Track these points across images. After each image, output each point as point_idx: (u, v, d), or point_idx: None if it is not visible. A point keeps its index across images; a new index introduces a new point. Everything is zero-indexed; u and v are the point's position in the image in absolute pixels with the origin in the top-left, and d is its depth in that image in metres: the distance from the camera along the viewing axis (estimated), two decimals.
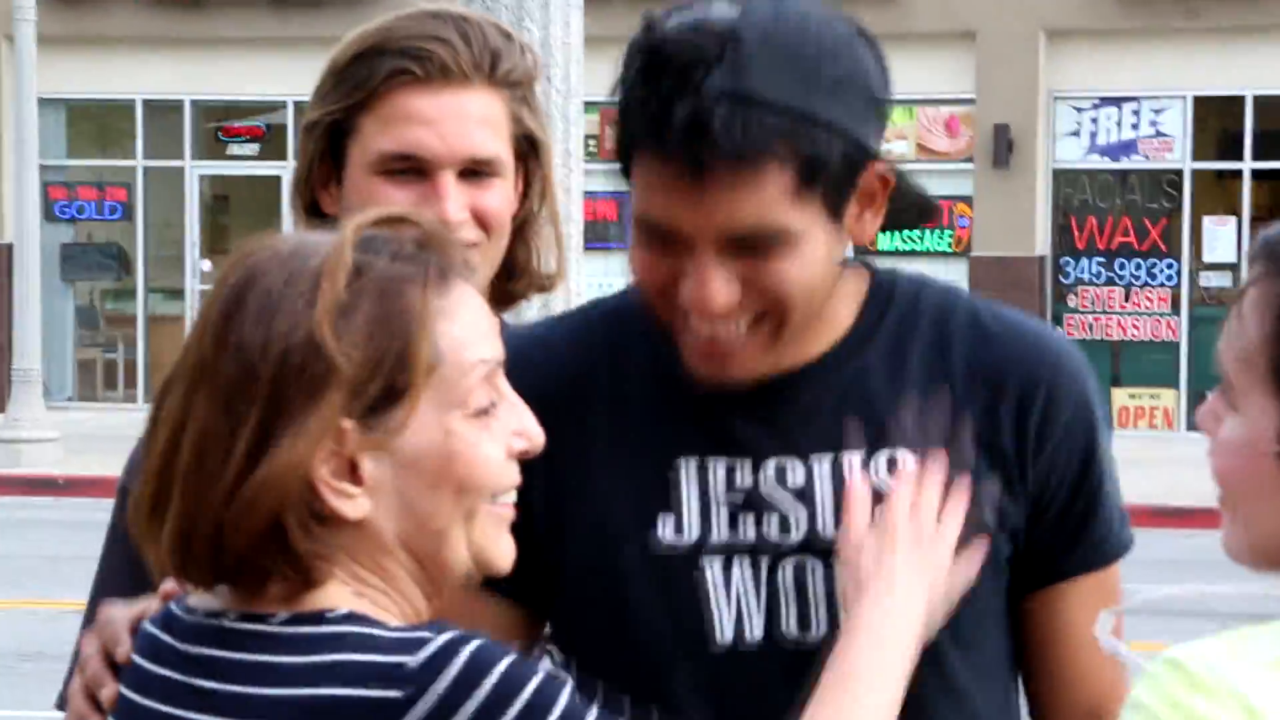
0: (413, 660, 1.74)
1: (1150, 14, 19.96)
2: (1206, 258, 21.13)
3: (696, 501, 2.14)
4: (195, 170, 23.40)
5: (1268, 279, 1.71)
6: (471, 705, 1.73)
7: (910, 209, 2.22)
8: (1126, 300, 21.31)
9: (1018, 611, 2.21)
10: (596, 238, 20.85)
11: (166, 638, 1.89)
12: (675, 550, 2.13)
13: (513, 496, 1.89)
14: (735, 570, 2.13)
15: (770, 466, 2.14)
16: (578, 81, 4.22)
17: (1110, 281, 21.31)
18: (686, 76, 1.97)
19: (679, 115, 1.97)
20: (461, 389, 1.81)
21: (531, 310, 4.11)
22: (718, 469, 2.14)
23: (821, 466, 2.13)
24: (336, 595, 1.82)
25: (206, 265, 23.25)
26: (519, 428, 1.87)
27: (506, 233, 2.45)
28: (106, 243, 24.04)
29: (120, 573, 2.39)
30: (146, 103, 23.21)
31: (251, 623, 1.82)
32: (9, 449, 17.75)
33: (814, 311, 2.10)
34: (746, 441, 2.14)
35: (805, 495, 2.13)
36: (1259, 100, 20.90)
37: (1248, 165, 21.10)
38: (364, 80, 2.38)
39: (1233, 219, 21.09)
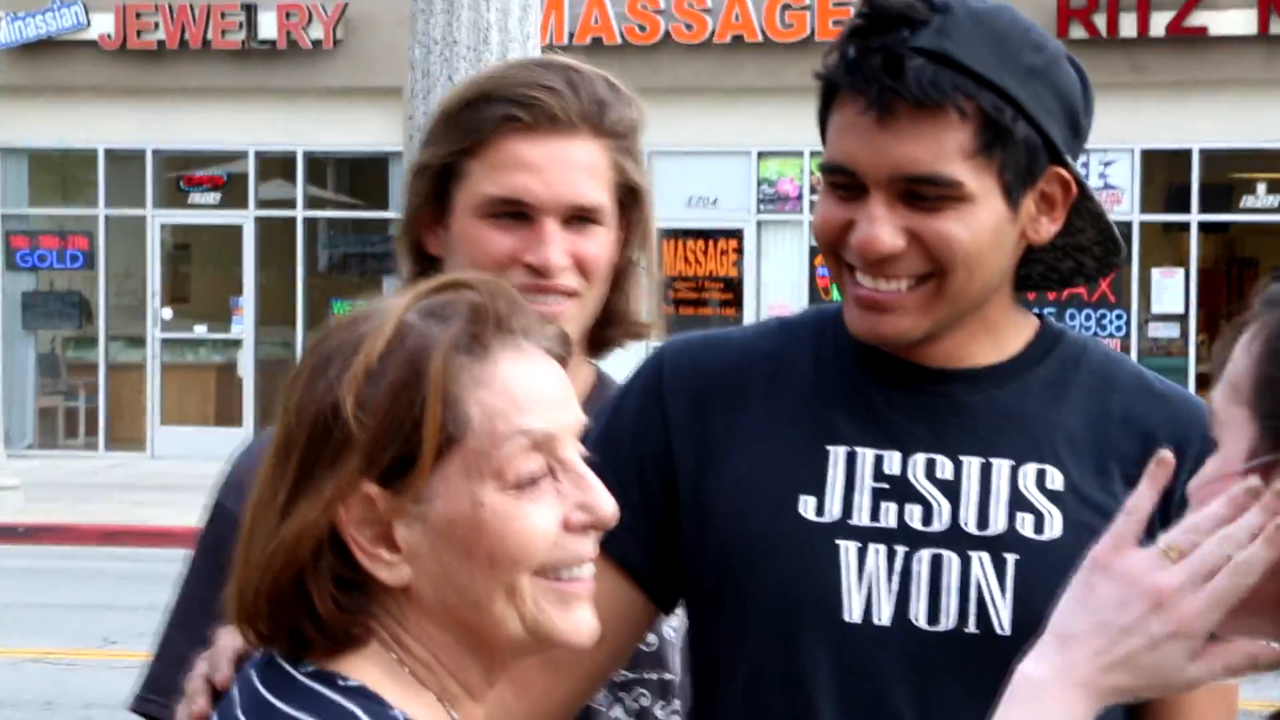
0: None
1: (1098, 68, 20.02)
2: (1155, 309, 21.21)
3: (841, 487, 2.19)
4: (157, 219, 23.31)
5: (1260, 319, 1.71)
6: None
7: (1091, 248, 2.28)
8: (1121, 353, 21.36)
9: (1143, 711, 2.18)
10: None
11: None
12: (815, 525, 2.18)
13: (588, 570, 1.80)
14: (871, 554, 2.17)
15: (920, 459, 2.19)
16: None
17: None
18: (894, 30, 2.12)
19: (876, 60, 2.11)
20: (496, 459, 1.74)
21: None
22: (866, 457, 2.20)
23: (971, 466, 2.19)
24: (369, 662, 1.78)
25: (167, 313, 23.18)
26: (583, 501, 1.78)
27: (606, 280, 2.47)
28: (68, 291, 23.94)
29: (204, 586, 2.43)
30: (108, 152, 23.13)
31: (289, 664, 1.80)
32: None
33: (975, 290, 2.18)
34: (898, 434, 2.20)
35: (951, 490, 2.18)
36: (1205, 154, 21.01)
37: (1195, 218, 21.21)
38: (474, 126, 2.41)
39: (1180, 270, 21.18)
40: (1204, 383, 18.71)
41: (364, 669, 1.77)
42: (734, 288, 21.89)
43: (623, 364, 2.49)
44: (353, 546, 1.74)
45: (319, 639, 1.76)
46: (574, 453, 1.79)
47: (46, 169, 23.88)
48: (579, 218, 2.42)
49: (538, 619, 1.77)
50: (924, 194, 2.14)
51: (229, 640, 2.03)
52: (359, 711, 1.74)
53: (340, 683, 1.76)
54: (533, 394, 1.77)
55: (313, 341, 1.82)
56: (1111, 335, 20.97)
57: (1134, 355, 20.78)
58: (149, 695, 2.47)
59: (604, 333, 2.53)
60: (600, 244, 2.44)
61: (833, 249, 2.20)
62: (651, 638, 2.43)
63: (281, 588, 1.75)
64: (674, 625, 2.44)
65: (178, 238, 24.01)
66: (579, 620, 1.80)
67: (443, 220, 2.46)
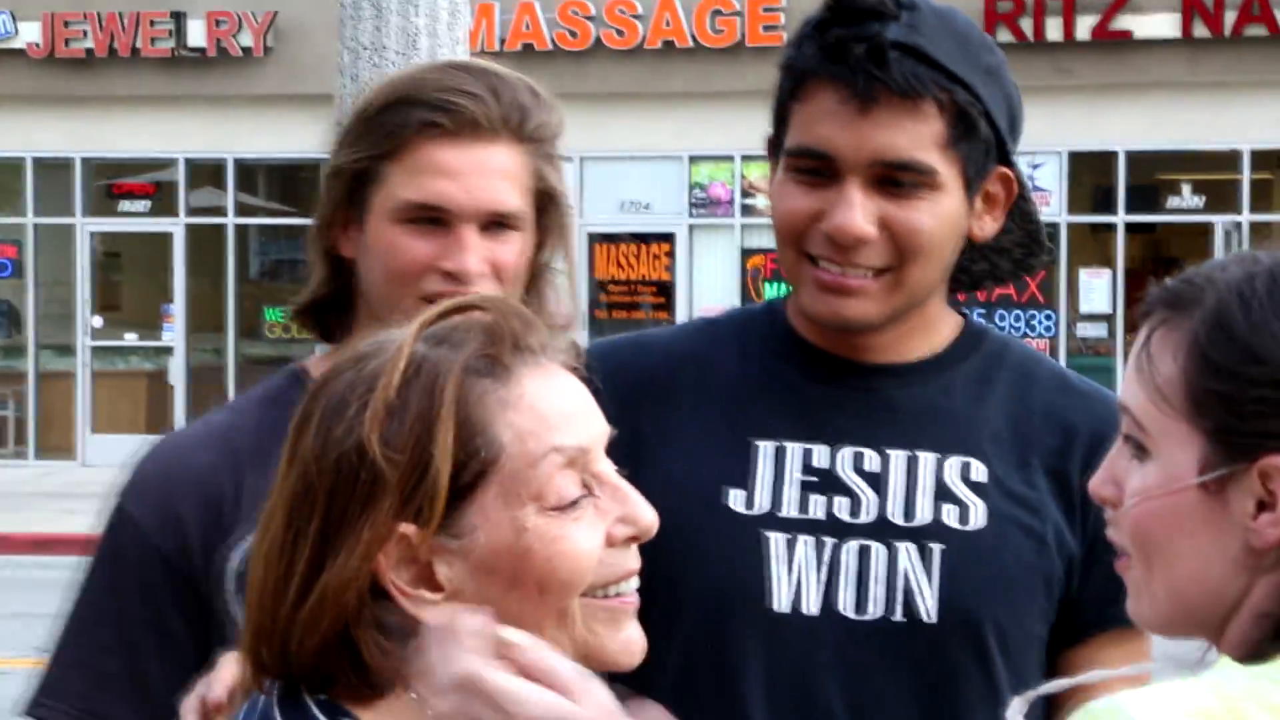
0: None
1: (1025, 72, 20.14)
2: (1083, 309, 21.33)
3: (770, 481, 2.22)
4: (86, 227, 23.17)
5: (1170, 322, 1.70)
6: None
7: (1011, 250, 2.33)
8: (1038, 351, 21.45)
9: (1059, 662, 2.25)
10: None
11: None
12: (741, 518, 2.20)
13: (633, 584, 1.75)
14: (799, 546, 2.19)
15: (848, 452, 2.22)
16: None
17: None
18: (868, 24, 2.16)
19: (859, 50, 2.15)
20: (534, 481, 1.67)
21: None
22: (795, 451, 2.22)
23: (897, 460, 2.21)
24: (400, 712, 1.69)
25: (98, 321, 23.03)
26: (623, 514, 1.73)
27: (520, 284, 2.45)
28: None
29: (103, 593, 2.42)
30: (36, 160, 22.97)
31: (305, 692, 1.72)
32: None
33: (929, 281, 2.22)
34: (826, 428, 2.23)
35: (878, 482, 2.21)
36: (1131, 155, 21.14)
37: (1121, 219, 21.33)
38: (392, 130, 2.38)
39: (1108, 271, 21.30)
40: None
41: (394, 711, 1.69)
42: (666, 291, 21.90)
43: None
44: (394, 592, 1.65)
45: (358, 685, 1.68)
46: (607, 465, 1.74)
47: None
48: (496, 223, 2.39)
49: (589, 641, 1.70)
50: (900, 180, 2.17)
51: (229, 669, 2.01)
52: None
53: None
54: (562, 410, 1.71)
55: (314, 387, 1.73)
56: (1040, 335, 21.08)
57: (1062, 354, 20.90)
58: (44, 700, 2.44)
59: None
60: (516, 250, 2.41)
61: (796, 239, 2.22)
62: None
63: (328, 641, 1.67)
64: None
65: (108, 245, 23.85)
66: (629, 639, 1.74)
67: (357, 223, 2.42)
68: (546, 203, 2.45)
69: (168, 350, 23.13)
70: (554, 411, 1.70)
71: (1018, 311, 21.15)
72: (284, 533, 1.69)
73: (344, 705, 1.70)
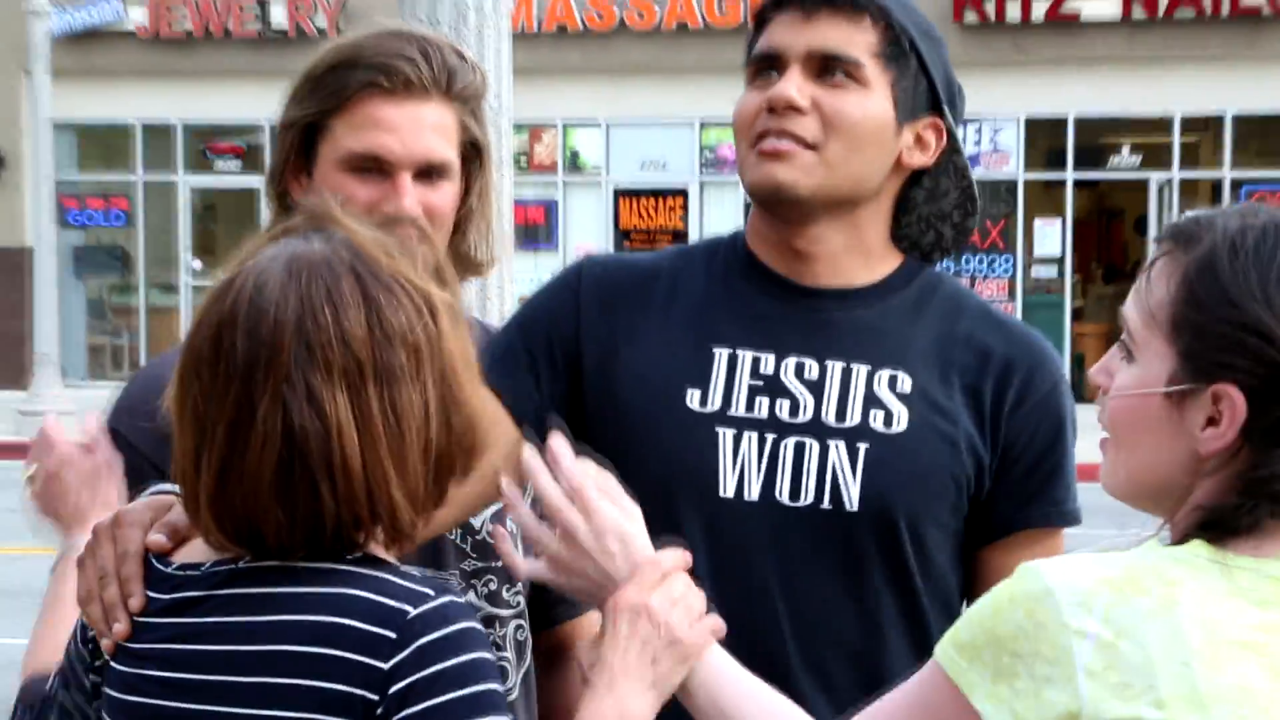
0: (414, 611, 1.67)
1: (987, 49, 20.05)
2: (1037, 253, 21.25)
3: (723, 383, 2.20)
4: (186, 183, 23.17)
5: (1173, 254, 1.71)
6: (439, 667, 1.66)
7: (950, 214, 2.31)
8: (972, 289, 21.39)
9: (973, 562, 2.24)
10: (528, 239, 20.83)
11: (167, 594, 1.78)
12: (698, 415, 2.19)
13: None
14: (744, 440, 2.18)
15: (791, 361, 2.20)
16: (508, 101, 4.23)
17: (958, 274, 21.41)
18: None
19: None
20: None
21: (470, 290, 4.14)
22: (745, 358, 2.21)
23: (834, 369, 2.20)
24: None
25: (196, 264, 23.06)
26: None
27: (450, 225, 2.41)
28: (111, 245, 23.79)
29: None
30: (145, 126, 22.98)
31: (274, 560, 1.73)
32: (32, 421, 17.54)
33: (852, 169, 2.20)
34: (774, 339, 2.21)
35: (816, 388, 2.19)
36: (1079, 121, 21.03)
37: (1070, 175, 21.23)
38: (338, 88, 2.34)
39: (1059, 220, 21.21)
40: (1078, 315, 18.76)
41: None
42: (681, 238, 21.84)
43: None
44: None
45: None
46: None
47: (92, 141, 23.68)
48: (429, 171, 2.35)
49: None
50: (832, 69, 2.19)
51: (142, 514, 1.88)
52: (391, 578, 1.72)
53: (347, 555, 1.75)
54: None
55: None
56: (1000, 276, 21.04)
57: (1019, 293, 20.88)
58: None
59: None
60: (446, 195, 2.37)
61: (747, 130, 2.23)
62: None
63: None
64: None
65: (204, 199, 23.85)
66: None
67: (308, 170, 2.39)
68: (472, 153, 2.41)
69: None
70: None
71: (981, 255, 21.09)
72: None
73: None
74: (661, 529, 2.15)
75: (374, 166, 2.34)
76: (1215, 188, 20.81)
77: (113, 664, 1.80)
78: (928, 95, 2.23)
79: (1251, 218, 1.69)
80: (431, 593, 1.69)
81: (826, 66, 2.18)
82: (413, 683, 1.65)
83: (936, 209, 2.29)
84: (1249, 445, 1.64)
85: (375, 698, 1.65)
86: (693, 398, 2.20)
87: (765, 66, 2.22)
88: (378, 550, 1.77)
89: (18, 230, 22.45)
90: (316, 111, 2.36)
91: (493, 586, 2.45)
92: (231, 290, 1.72)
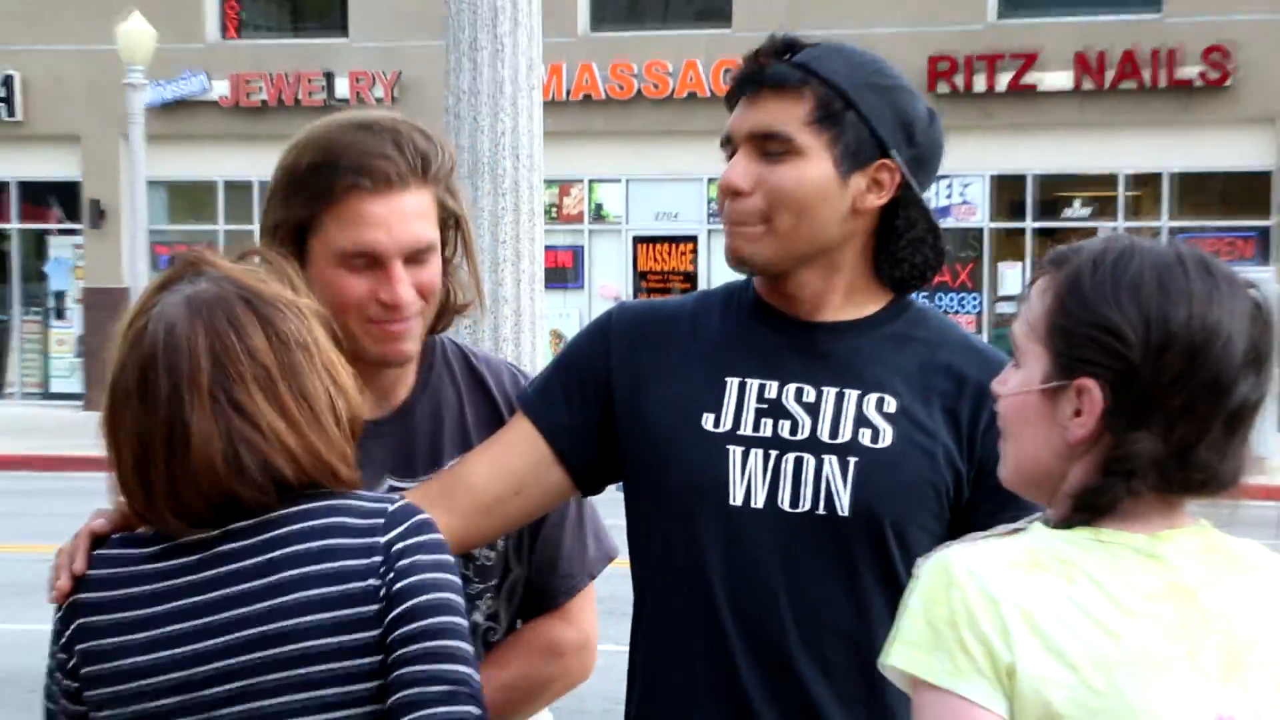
0: (390, 507, 1.87)
1: (958, 115, 20.02)
2: (1001, 292, 21.21)
3: (734, 407, 2.20)
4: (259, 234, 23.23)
5: (1049, 274, 1.74)
6: (421, 539, 1.85)
7: (926, 238, 2.27)
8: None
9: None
10: (557, 280, 20.87)
11: (151, 564, 1.86)
12: (712, 435, 2.19)
13: None
14: (752, 456, 2.18)
15: (791, 387, 2.20)
16: (539, 160, 4.23)
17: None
18: (776, 53, 2.19)
19: (752, 65, 2.19)
20: None
21: (507, 324, 4.13)
22: (753, 385, 2.21)
23: (828, 394, 2.20)
24: None
25: None
26: None
27: (440, 291, 2.33)
28: None
29: None
30: (226, 183, 23.06)
31: (248, 519, 1.85)
32: None
33: (805, 231, 2.18)
34: (777, 369, 2.21)
35: (813, 410, 2.19)
36: (1037, 177, 21.02)
37: (1030, 225, 21.20)
38: (323, 190, 2.23)
39: (1019, 263, 21.17)
40: None
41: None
42: (690, 278, 21.86)
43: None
44: None
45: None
46: None
47: (181, 196, 23.77)
48: (416, 254, 2.25)
49: None
50: (771, 149, 2.17)
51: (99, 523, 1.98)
52: (356, 499, 1.91)
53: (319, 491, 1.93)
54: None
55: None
56: (969, 312, 21.01)
57: (985, 327, 20.85)
58: None
59: (438, 320, 2.39)
60: (434, 270, 2.29)
61: (721, 206, 2.23)
62: (490, 554, 2.39)
63: None
64: (499, 546, 2.41)
65: None
66: None
67: (302, 265, 2.24)
68: (451, 222, 2.33)
69: None
70: None
71: (953, 294, 21.07)
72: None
73: None
74: (683, 531, 2.18)
75: (365, 259, 2.24)
76: (1155, 235, 20.72)
77: (132, 636, 1.85)
78: (872, 142, 2.19)
79: (1113, 243, 1.72)
80: (395, 497, 1.91)
81: (766, 143, 2.17)
82: (403, 548, 1.84)
83: (915, 235, 2.27)
84: (1109, 431, 1.66)
85: (380, 559, 1.82)
86: (708, 420, 2.20)
87: (727, 149, 2.23)
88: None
89: (117, 272, 22.53)
90: (306, 214, 2.26)
91: (493, 606, 2.42)
92: (145, 335, 1.86)
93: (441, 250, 2.32)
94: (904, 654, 1.63)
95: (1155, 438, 1.64)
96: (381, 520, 1.84)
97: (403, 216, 2.23)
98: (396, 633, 1.79)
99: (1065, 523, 1.68)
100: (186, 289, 1.89)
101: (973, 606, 1.60)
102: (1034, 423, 1.72)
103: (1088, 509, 1.67)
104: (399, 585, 1.81)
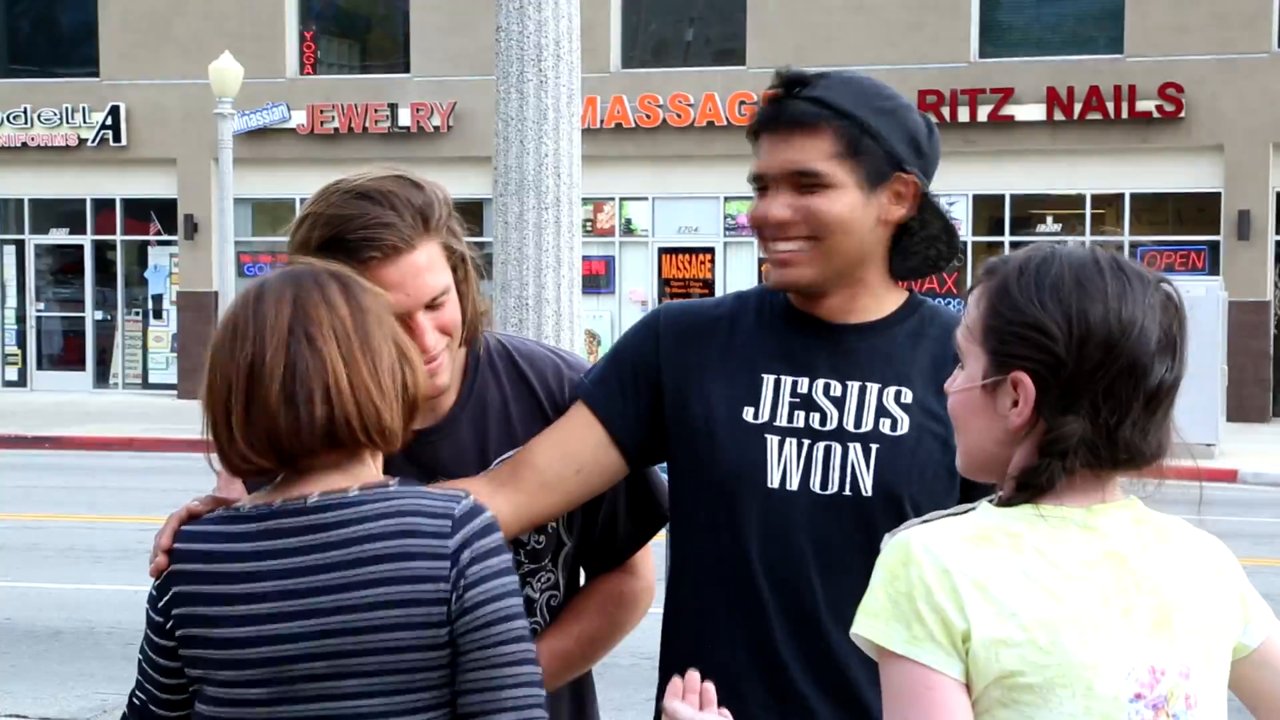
0: (458, 507, 1.84)
1: (942, 143, 19.75)
2: None
3: (770, 401, 2.19)
4: None
5: (983, 283, 1.73)
6: (489, 540, 1.84)
7: (940, 236, 2.24)
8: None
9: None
10: (591, 286, 20.89)
11: (251, 525, 1.85)
12: (751, 426, 2.18)
13: None
14: (786, 444, 2.17)
15: (820, 382, 2.19)
16: (578, 179, 4.23)
17: None
18: (789, 87, 2.17)
19: (774, 107, 2.16)
20: None
21: (548, 325, 4.14)
22: (786, 381, 2.19)
23: (853, 388, 2.18)
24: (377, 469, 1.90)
25: None
26: None
27: (461, 323, 2.23)
28: None
29: None
30: (303, 200, 23.00)
31: (332, 497, 1.84)
32: None
33: (850, 249, 2.16)
34: (808, 366, 2.20)
35: (839, 403, 2.18)
36: (1013, 197, 20.95)
37: (1007, 239, 21.11)
38: (341, 262, 2.08)
39: None
40: None
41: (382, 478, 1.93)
42: (709, 285, 21.85)
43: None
44: None
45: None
46: None
47: (263, 212, 23.83)
48: (434, 301, 2.16)
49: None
50: (804, 183, 2.14)
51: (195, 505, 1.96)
52: (427, 493, 1.87)
53: (391, 486, 1.88)
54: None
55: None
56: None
57: None
58: None
59: (467, 332, 2.28)
60: (452, 308, 2.19)
61: (758, 232, 2.21)
62: (541, 538, 2.35)
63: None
64: (548, 529, 2.35)
65: None
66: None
67: None
68: (458, 260, 2.22)
69: None
70: None
71: (940, 300, 20.96)
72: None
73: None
74: (725, 512, 2.18)
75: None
76: (1119, 249, 20.64)
77: (224, 610, 1.84)
78: (888, 160, 2.17)
79: (1036, 251, 1.71)
80: (461, 494, 1.86)
81: (801, 179, 2.15)
82: (470, 557, 1.82)
83: (929, 233, 2.24)
84: (1043, 417, 1.65)
85: (447, 564, 1.81)
86: (748, 413, 2.19)
87: (759, 184, 2.20)
88: (375, 461, 1.89)
89: (207, 278, 22.63)
90: None
91: (544, 584, 2.38)
92: (239, 299, 1.90)
93: (454, 275, 2.21)
94: (867, 623, 1.62)
95: (1084, 420, 1.63)
96: (448, 523, 1.82)
97: (416, 273, 2.13)
98: (465, 637, 1.81)
99: (1010, 501, 1.67)
100: (283, 269, 1.95)
101: (928, 580, 1.59)
102: (978, 415, 1.70)
103: (1030, 488, 1.66)
104: (469, 594, 1.81)
